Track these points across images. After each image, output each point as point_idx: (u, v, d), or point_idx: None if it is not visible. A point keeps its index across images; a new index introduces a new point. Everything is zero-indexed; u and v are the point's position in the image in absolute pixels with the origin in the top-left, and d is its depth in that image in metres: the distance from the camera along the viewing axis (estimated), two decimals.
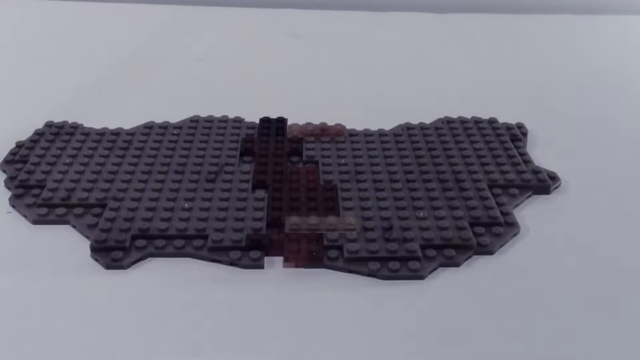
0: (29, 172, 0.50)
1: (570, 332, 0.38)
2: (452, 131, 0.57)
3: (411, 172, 0.51)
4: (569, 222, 0.47)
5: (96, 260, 0.43)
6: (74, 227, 0.45)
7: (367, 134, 0.56)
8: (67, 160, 0.51)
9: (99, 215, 0.46)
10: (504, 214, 0.47)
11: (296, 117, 0.58)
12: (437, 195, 0.48)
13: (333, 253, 0.43)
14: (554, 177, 0.51)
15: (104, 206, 0.46)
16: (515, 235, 0.46)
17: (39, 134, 0.55)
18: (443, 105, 0.61)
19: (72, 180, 0.49)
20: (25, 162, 0.51)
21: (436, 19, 0.84)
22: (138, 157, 0.52)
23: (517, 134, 0.57)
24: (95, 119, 0.57)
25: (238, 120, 0.58)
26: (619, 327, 0.38)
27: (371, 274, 0.42)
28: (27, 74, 0.68)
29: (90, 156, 0.52)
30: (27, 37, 0.77)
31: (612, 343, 0.38)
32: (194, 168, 0.51)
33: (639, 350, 0.37)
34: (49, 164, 0.51)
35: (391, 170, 0.51)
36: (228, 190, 0.48)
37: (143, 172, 0.50)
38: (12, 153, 0.53)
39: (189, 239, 0.44)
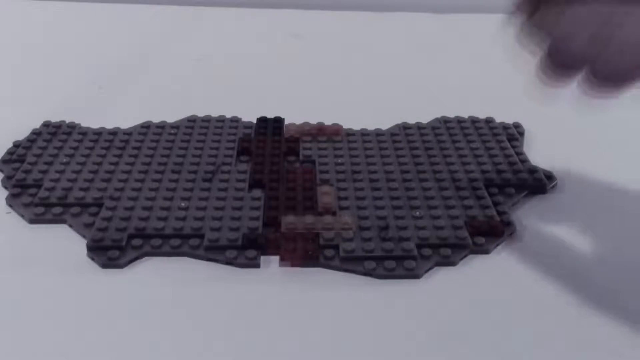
0: (26, 172, 0.50)
1: (567, 332, 0.38)
2: (449, 131, 0.57)
3: (408, 172, 0.51)
4: (566, 221, 0.47)
5: (92, 259, 0.43)
6: (70, 226, 0.45)
7: (364, 133, 0.56)
8: (64, 160, 0.51)
9: (95, 214, 0.46)
10: (500, 213, 0.47)
11: (293, 116, 0.58)
12: (434, 195, 0.48)
13: (329, 252, 0.43)
14: (550, 177, 0.51)
15: (100, 205, 0.47)
16: (511, 234, 0.46)
17: (36, 133, 0.55)
18: (440, 105, 0.61)
19: (69, 180, 0.49)
20: (22, 161, 0.52)
21: (434, 18, 0.84)
22: (135, 156, 0.52)
23: (513, 134, 0.57)
24: (93, 119, 0.57)
25: (235, 120, 0.58)
26: (617, 327, 0.38)
27: (367, 273, 0.42)
28: (24, 74, 0.68)
29: (87, 155, 0.52)
30: (24, 36, 0.77)
31: (610, 343, 0.38)
32: (190, 167, 0.51)
33: (638, 349, 0.37)
34: (46, 163, 0.51)
35: (388, 170, 0.51)
36: (225, 189, 0.48)
37: (140, 172, 0.50)
38: (10, 152, 0.53)
39: (185, 238, 0.44)
